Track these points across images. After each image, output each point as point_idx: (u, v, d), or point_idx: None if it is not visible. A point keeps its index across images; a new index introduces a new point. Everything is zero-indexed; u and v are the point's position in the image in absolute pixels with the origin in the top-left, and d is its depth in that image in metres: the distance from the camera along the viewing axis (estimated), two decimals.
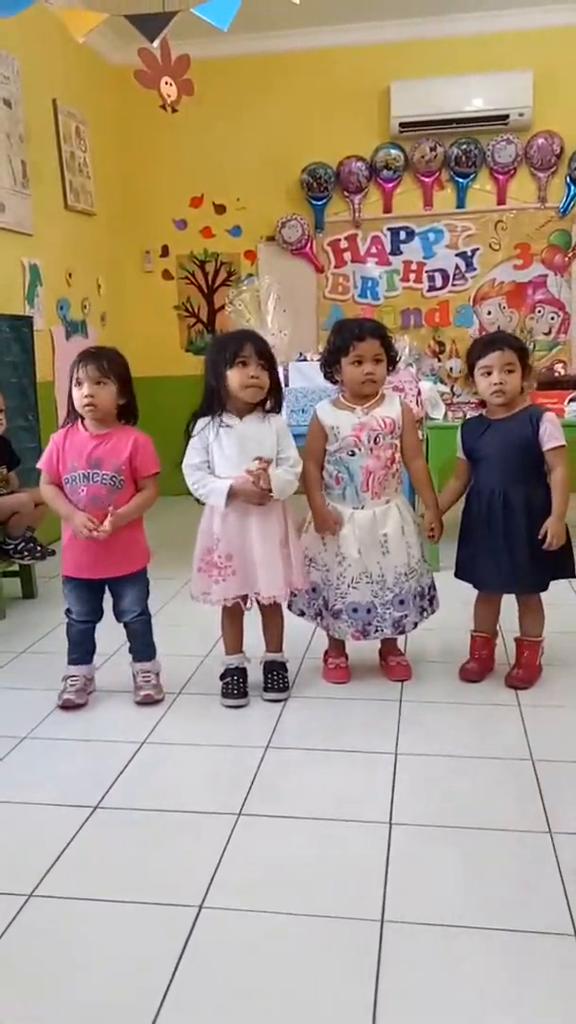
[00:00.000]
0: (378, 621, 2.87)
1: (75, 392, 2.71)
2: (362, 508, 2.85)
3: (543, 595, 2.92)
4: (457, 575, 2.96)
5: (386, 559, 2.85)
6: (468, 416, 3.18)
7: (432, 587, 2.98)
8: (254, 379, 2.67)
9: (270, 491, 2.66)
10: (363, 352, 2.76)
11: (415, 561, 2.91)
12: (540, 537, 2.72)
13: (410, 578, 2.88)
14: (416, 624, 2.94)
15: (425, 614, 2.97)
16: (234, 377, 2.66)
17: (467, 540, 2.91)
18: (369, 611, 2.87)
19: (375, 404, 2.84)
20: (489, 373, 2.76)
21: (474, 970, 1.60)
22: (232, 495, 2.68)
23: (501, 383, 2.74)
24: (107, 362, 2.70)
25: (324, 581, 2.90)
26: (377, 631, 2.89)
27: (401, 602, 2.87)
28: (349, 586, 2.86)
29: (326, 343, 2.90)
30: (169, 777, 2.41)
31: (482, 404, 2.92)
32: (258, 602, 2.81)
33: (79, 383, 2.69)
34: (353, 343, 2.77)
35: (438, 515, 2.92)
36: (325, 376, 2.92)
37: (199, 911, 1.79)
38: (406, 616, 2.89)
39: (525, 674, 2.90)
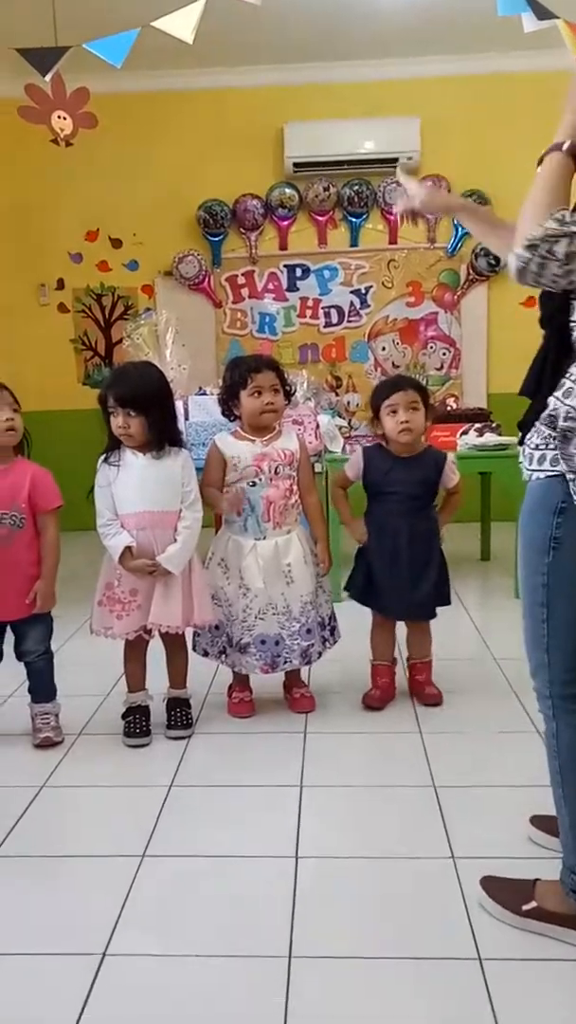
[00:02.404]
0: (287, 652, 2.88)
1: None
2: (264, 538, 2.86)
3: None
4: (361, 601, 3.03)
5: (291, 589, 2.86)
6: (363, 445, 3.24)
7: (332, 617, 3.02)
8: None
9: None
10: (261, 383, 2.80)
11: (319, 590, 2.94)
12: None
13: (314, 607, 2.91)
14: (320, 654, 2.96)
15: (328, 644, 2.99)
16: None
17: (369, 570, 2.98)
18: (277, 643, 2.87)
19: (274, 437, 2.88)
20: (395, 412, 2.87)
21: (384, 999, 1.61)
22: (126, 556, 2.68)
23: (407, 420, 2.86)
24: (10, 392, 2.65)
25: (228, 617, 2.89)
26: (286, 663, 2.90)
27: (308, 631, 2.89)
28: (256, 618, 2.86)
29: (222, 380, 2.93)
30: (70, 821, 2.35)
31: (382, 439, 2.99)
32: (161, 637, 2.79)
33: None
34: (251, 375, 2.80)
35: (327, 549, 2.99)
36: (223, 412, 2.94)
37: (102, 958, 1.74)
38: (312, 645, 2.91)
39: (433, 691, 3.02)
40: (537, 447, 1.70)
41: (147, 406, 2.65)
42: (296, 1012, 1.57)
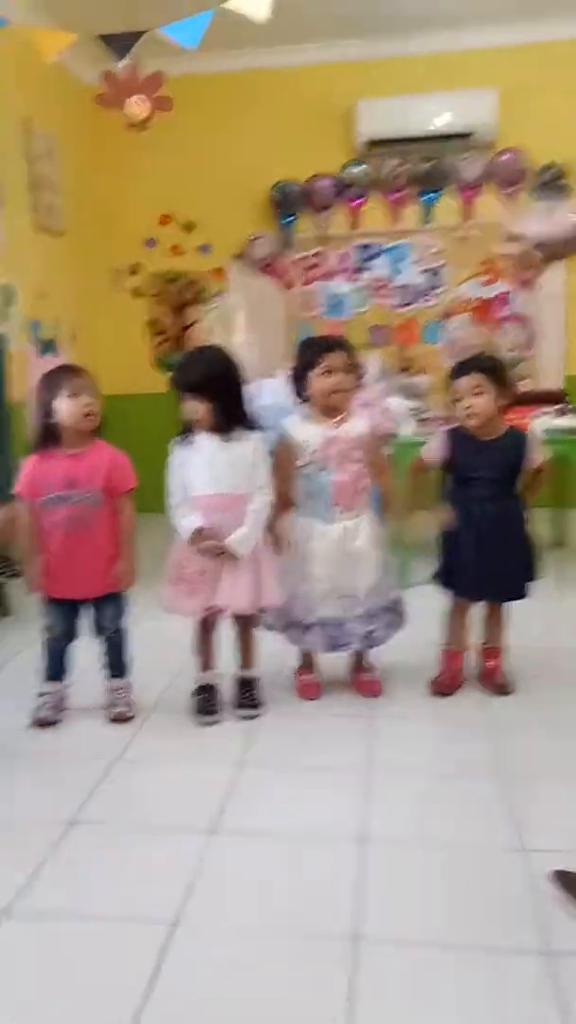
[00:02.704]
0: (348, 635, 2.90)
1: (67, 404, 2.67)
2: (332, 523, 2.88)
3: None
4: (444, 585, 3.01)
5: (356, 573, 2.88)
6: (445, 428, 3.21)
7: (401, 602, 3.02)
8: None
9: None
10: (331, 363, 2.80)
11: (386, 576, 2.94)
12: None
13: (379, 592, 2.91)
14: (385, 639, 2.97)
15: (394, 629, 2.99)
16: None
17: (453, 554, 2.96)
18: (340, 625, 2.89)
19: (343, 419, 2.88)
20: (460, 399, 2.84)
21: (448, 987, 1.63)
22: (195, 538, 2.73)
23: (470, 406, 2.82)
24: (90, 377, 2.72)
25: (294, 596, 2.92)
26: (347, 645, 2.92)
27: (371, 616, 2.90)
28: (319, 600, 2.88)
29: (294, 361, 2.94)
30: (142, 794, 2.42)
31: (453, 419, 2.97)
32: (231, 616, 2.83)
33: (74, 395, 2.67)
34: (322, 355, 2.81)
35: (400, 513, 2.99)
36: (294, 393, 2.95)
37: (173, 928, 1.79)
38: (375, 630, 2.92)
39: (504, 679, 2.99)
40: None
41: (212, 391, 2.68)
42: (361, 993, 1.60)
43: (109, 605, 2.85)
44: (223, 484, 2.73)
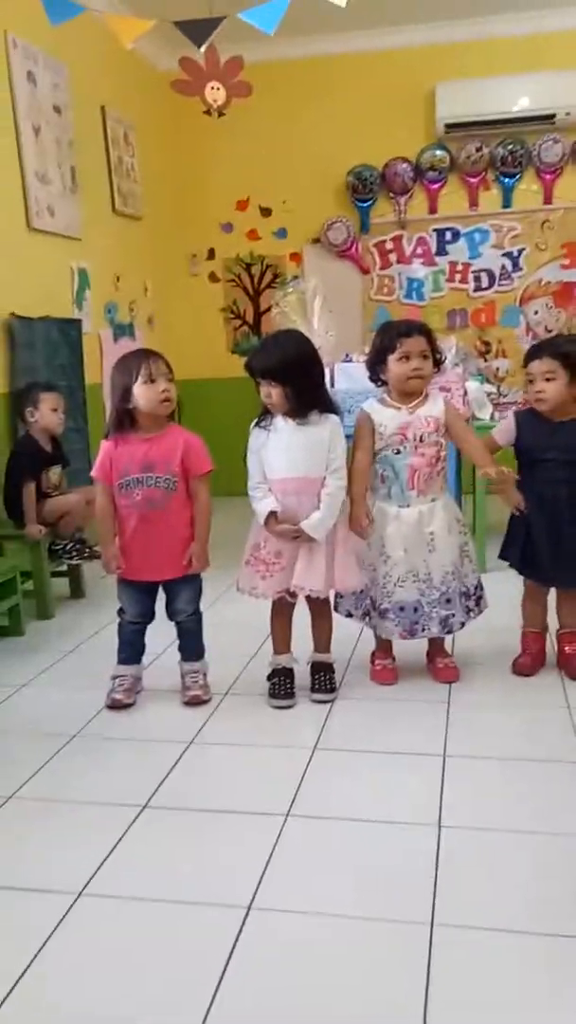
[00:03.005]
0: (425, 620, 2.86)
1: (144, 390, 2.67)
2: (408, 506, 2.84)
3: None
4: (519, 570, 2.99)
5: (432, 557, 2.84)
6: (515, 409, 3.15)
7: (479, 587, 2.97)
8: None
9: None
10: (410, 348, 2.76)
11: (463, 560, 2.90)
12: None
13: (457, 577, 2.87)
14: (463, 624, 2.92)
15: (472, 614, 2.95)
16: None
17: (526, 538, 2.91)
18: (416, 610, 2.86)
19: (420, 403, 2.84)
20: (532, 382, 2.81)
21: (526, 975, 1.59)
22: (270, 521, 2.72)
23: (541, 391, 2.79)
24: (166, 362, 2.73)
25: (371, 580, 2.89)
26: (424, 630, 2.88)
27: (448, 601, 2.86)
28: (395, 585, 2.85)
29: (372, 344, 2.90)
30: (216, 777, 2.42)
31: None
32: (307, 600, 2.82)
33: (151, 380, 2.67)
34: (400, 340, 2.77)
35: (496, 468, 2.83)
36: (371, 378, 2.92)
37: (247, 912, 1.79)
38: (453, 615, 2.87)
39: None
40: None
41: (286, 375, 2.65)
42: (438, 979, 1.57)
43: (184, 588, 2.86)
44: (299, 467, 2.71)
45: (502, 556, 3.02)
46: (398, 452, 2.83)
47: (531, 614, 3.03)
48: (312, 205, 6.26)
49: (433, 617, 2.86)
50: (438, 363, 2.88)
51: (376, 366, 2.86)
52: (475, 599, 2.95)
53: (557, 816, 2.11)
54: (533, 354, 2.84)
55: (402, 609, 2.86)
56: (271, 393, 2.68)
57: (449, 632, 2.93)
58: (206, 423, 3.14)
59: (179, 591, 2.87)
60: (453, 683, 2.94)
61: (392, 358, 2.79)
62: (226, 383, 5.97)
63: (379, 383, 2.90)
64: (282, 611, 2.89)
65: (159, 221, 6.18)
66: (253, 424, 2.79)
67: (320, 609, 2.91)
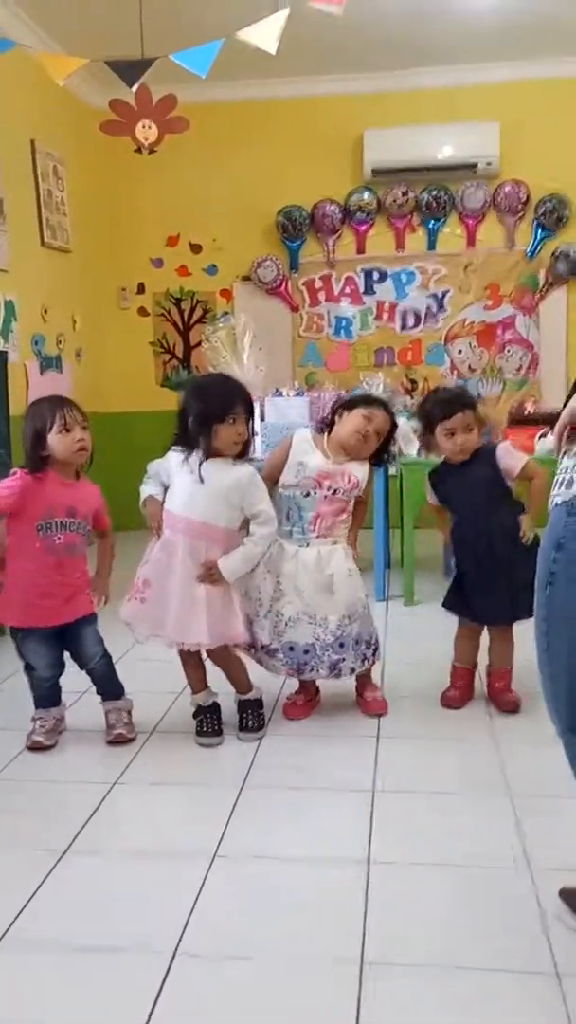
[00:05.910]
0: (315, 662, 2.84)
1: (60, 439, 2.60)
2: (307, 546, 2.84)
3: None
4: (449, 609, 3.03)
5: (330, 600, 2.82)
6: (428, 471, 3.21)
7: (375, 637, 2.97)
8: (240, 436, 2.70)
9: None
10: (368, 420, 2.84)
11: (360, 606, 2.90)
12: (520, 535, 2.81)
13: (353, 622, 2.86)
14: (353, 670, 2.91)
15: (366, 662, 2.94)
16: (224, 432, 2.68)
17: (459, 579, 3.00)
18: (307, 651, 2.83)
19: (348, 460, 2.87)
20: (453, 434, 2.87)
21: (456, 1011, 1.58)
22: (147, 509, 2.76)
23: (464, 442, 2.87)
24: (80, 410, 2.69)
25: (256, 615, 2.86)
26: (312, 671, 2.86)
27: (341, 645, 2.83)
28: (287, 624, 2.83)
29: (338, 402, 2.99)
30: (141, 819, 2.36)
31: (427, 451, 3.07)
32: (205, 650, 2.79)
33: (67, 429, 2.60)
34: (364, 407, 2.88)
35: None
36: (325, 419, 2.98)
37: (173, 957, 1.74)
38: (343, 660, 2.85)
39: (512, 697, 2.97)
40: (567, 469, 1.63)
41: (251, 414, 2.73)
42: (367, 1017, 1.55)
43: (88, 630, 2.78)
44: (197, 511, 2.69)
45: (444, 602, 3.05)
46: (307, 495, 2.84)
47: (463, 650, 3.06)
48: (242, 243, 6.32)
49: (324, 660, 2.83)
50: (388, 461, 3.08)
51: (336, 414, 2.92)
52: (372, 648, 2.94)
53: (486, 848, 2.11)
54: (449, 407, 2.87)
55: (292, 649, 2.83)
56: (243, 432, 2.68)
57: (337, 676, 2.88)
58: (133, 455, 3.10)
59: (84, 634, 2.78)
60: (382, 716, 2.94)
61: (349, 416, 2.86)
62: (153, 416, 5.92)
63: (326, 427, 2.93)
64: (187, 658, 2.82)
65: (89, 255, 6.16)
66: (173, 445, 2.76)
67: (219, 658, 2.83)
